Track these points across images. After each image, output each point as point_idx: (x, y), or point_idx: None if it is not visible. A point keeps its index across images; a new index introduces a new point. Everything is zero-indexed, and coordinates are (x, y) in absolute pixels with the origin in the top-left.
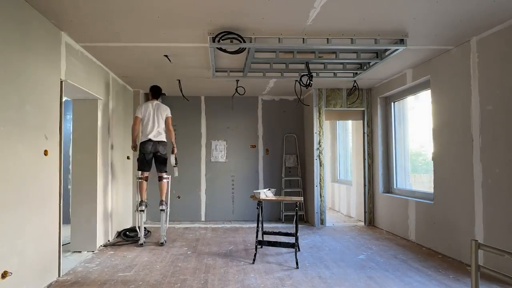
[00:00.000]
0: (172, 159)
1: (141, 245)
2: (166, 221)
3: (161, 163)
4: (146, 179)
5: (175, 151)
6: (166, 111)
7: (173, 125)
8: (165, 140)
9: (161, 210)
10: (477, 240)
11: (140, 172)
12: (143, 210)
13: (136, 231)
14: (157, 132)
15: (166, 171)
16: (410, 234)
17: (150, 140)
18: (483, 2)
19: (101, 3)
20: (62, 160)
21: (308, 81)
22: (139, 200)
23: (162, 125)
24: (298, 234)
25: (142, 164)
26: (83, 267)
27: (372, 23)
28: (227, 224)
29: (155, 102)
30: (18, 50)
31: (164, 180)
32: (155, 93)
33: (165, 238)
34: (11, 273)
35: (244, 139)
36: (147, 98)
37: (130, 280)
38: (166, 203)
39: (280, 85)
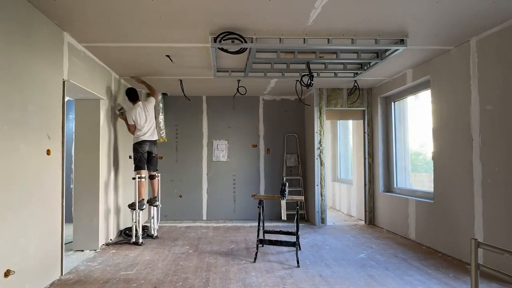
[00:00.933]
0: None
1: (141, 244)
2: (158, 217)
3: (154, 162)
4: (144, 178)
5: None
6: (152, 103)
7: (175, 124)
8: (156, 140)
9: (155, 205)
10: (477, 239)
11: (138, 171)
12: (143, 209)
13: (138, 230)
14: (151, 131)
15: (157, 170)
16: (410, 233)
17: (146, 141)
18: (482, 3)
19: (103, 4)
20: (65, 160)
21: (309, 81)
22: (140, 199)
23: (154, 123)
24: (299, 233)
25: (141, 162)
26: (86, 266)
27: (373, 23)
28: (228, 223)
29: (140, 102)
30: (20, 50)
31: (156, 178)
32: (133, 95)
33: (157, 234)
34: (14, 271)
35: (245, 138)
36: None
37: (132, 279)
38: (158, 199)
39: (281, 85)
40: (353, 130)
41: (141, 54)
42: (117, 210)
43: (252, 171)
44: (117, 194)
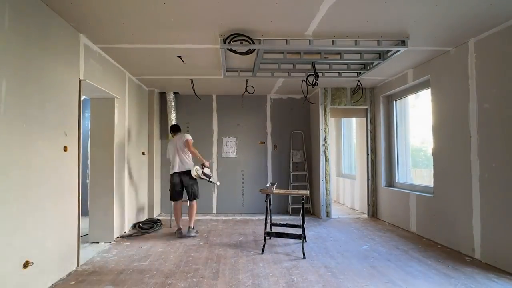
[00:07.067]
0: (206, 172)
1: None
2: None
3: (189, 192)
4: (179, 204)
5: (206, 164)
6: (184, 138)
7: (186, 122)
8: (190, 169)
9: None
10: None
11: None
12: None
13: (150, 223)
14: (180, 163)
15: (196, 198)
16: (411, 226)
17: (175, 172)
18: (480, 5)
19: (117, 7)
20: (81, 156)
21: (314, 81)
22: (177, 228)
23: (184, 155)
24: (304, 225)
25: (173, 194)
26: (101, 257)
27: (375, 25)
28: (237, 216)
29: (177, 136)
30: (39, 51)
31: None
32: (174, 130)
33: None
34: (32, 263)
35: (253, 135)
36: (161, 99)
37: (145, 270)
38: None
39: (287, 84)
40: (357, 128)
41: (153, 55)
42: (131, 204)
43: (260, 167)
44: (132, 189)
